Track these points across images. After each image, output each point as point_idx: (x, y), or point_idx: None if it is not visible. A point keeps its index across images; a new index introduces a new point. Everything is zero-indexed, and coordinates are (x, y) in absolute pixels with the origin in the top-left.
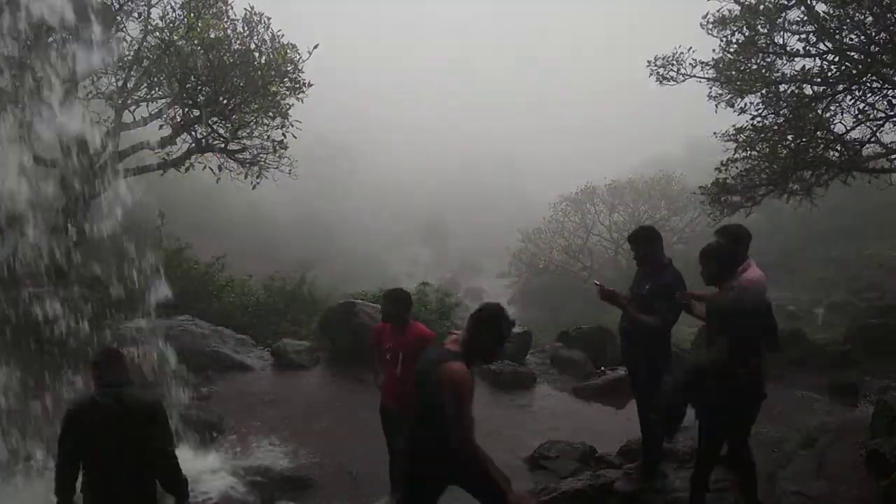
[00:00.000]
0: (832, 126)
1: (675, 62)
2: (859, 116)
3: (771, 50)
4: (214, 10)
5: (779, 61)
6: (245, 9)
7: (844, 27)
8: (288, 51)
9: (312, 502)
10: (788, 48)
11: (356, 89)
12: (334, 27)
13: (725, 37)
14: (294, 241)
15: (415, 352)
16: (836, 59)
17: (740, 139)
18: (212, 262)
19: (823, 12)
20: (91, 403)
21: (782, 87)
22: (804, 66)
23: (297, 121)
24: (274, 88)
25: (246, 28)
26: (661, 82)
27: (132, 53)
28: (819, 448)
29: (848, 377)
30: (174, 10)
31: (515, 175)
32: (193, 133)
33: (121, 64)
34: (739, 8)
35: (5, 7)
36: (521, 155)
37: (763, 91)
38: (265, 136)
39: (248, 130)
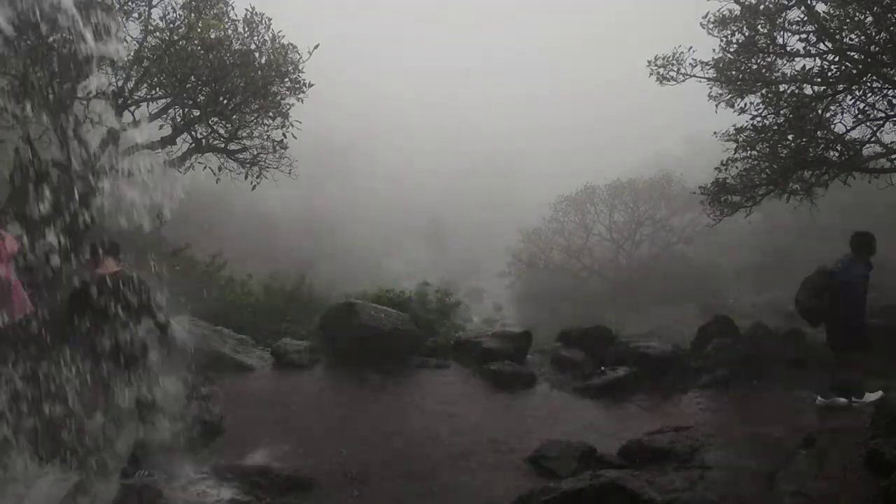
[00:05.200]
0: (832, 126)
1: (675, 62)
2: (859, 116)
3: (771, 50)
4: (215, 11)
5: (779, 61)
6: (246, 9)
7: (844, 27)
8: (288, 51)
9: (312, 502)
10: (788, 48)
11: (356, 89)
12: (335, 27)
13: (725, 37)
14: (294, 240)
15: None
16: (836, 59)
17: (740, 139)
18: (210, 260)
19: (823, 12)
20: None
21: (782, 87)
22: (804, 66)
23: (297, 121)
24: (274, 89)
25: (247, 28)
26: (661, 82)
27: (132, 53)
28: (819, 448)
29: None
30: (175, 11)
31: (515, 175)
32: (193, 133)
33: (121, 64)
34: (739, 8)
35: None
36: (521, 155)
37: (763, 91)
38: (265, 136)
39: (248, 130)
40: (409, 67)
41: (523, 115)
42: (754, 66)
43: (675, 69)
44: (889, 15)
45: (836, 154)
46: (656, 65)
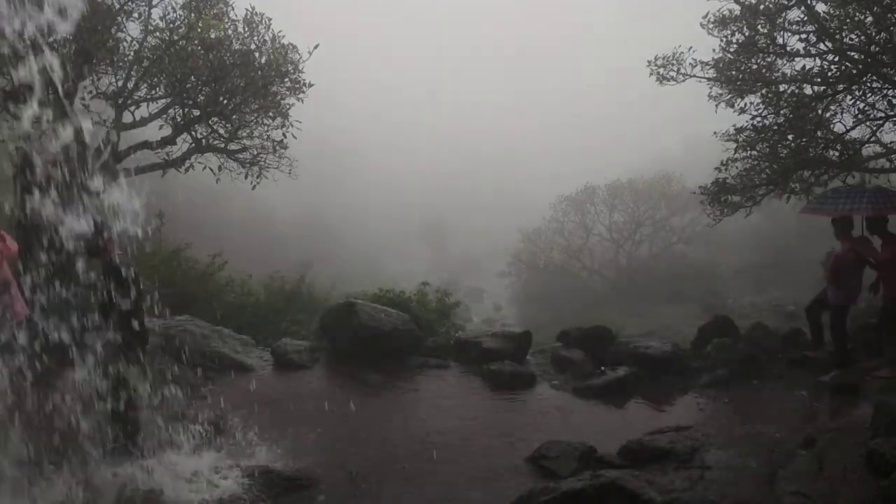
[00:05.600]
0: (832, 126)
1: (675, 62)
2: (859, 116)
3: (771, 50)
4: (215, 11)
5: (779, 61)
6: (246, 9)
7: (844, 27)
8: (288, 51)
9: (312, 502)
10: (788, 48)
11: (356, 89)
12: (335, 27)
13: (726, 37)
14: (294, 240)
15: None
16: (836, 59)
17: (740, 139)
18: (210, 260)
19: (823, 12)
20: None
21: (782, 87)
22: (804, 66)
23: (297, 121)
24: (274, 89)
25: (247, 28)
26: (661, 82)
27: (132, 53)
28: (819, 448)
29: (848, 377)
30: (175, 11)
31: (515, 175)
32: (193, 133)
33: (121, 64)
34: (739, 8)
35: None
36: (521, 155)
37: (763, 91)
38: (265, 136)
39: (248, 130)
40: (410, 67)
41: (525, 116)
42: (754, 66)
43: (675, 69)
44: (889, 15)
45: (836, 154)
46: (656, 65)
